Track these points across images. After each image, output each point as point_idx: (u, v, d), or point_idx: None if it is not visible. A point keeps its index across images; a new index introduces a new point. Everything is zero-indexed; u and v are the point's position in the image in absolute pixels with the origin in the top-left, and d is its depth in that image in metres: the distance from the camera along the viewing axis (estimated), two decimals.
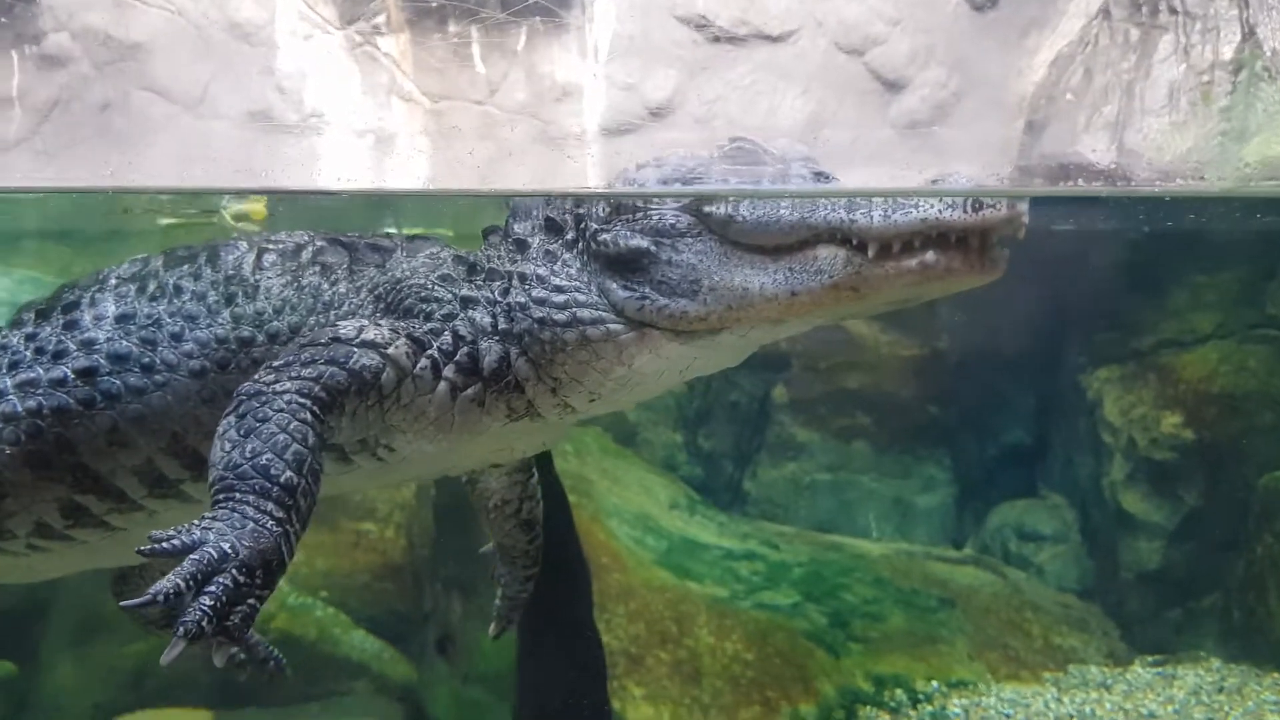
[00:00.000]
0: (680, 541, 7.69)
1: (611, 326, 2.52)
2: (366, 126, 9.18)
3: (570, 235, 2.66)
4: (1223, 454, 7.86)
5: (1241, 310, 8.29)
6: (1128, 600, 8.05)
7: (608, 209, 2.58)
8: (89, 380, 2.78)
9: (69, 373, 2.79)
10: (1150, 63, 6.34)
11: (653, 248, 2.46)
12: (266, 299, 2.81)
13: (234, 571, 2.06)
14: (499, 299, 2.68)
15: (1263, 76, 5.02)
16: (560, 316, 2.56)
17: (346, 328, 2.58)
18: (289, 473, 2.24)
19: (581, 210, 2.65)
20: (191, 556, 2.06)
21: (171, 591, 2.00)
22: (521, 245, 2.72)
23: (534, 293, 2.61)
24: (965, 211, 2.16)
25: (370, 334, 2.57)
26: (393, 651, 5.95)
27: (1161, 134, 6.01)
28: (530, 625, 4.56)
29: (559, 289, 2.58)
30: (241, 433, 2.29)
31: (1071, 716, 6.36)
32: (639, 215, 2.50)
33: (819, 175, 2.65)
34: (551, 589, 4.55)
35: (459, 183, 8.71)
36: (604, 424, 8.84)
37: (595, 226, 2.59)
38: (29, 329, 2.98)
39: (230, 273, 2.90)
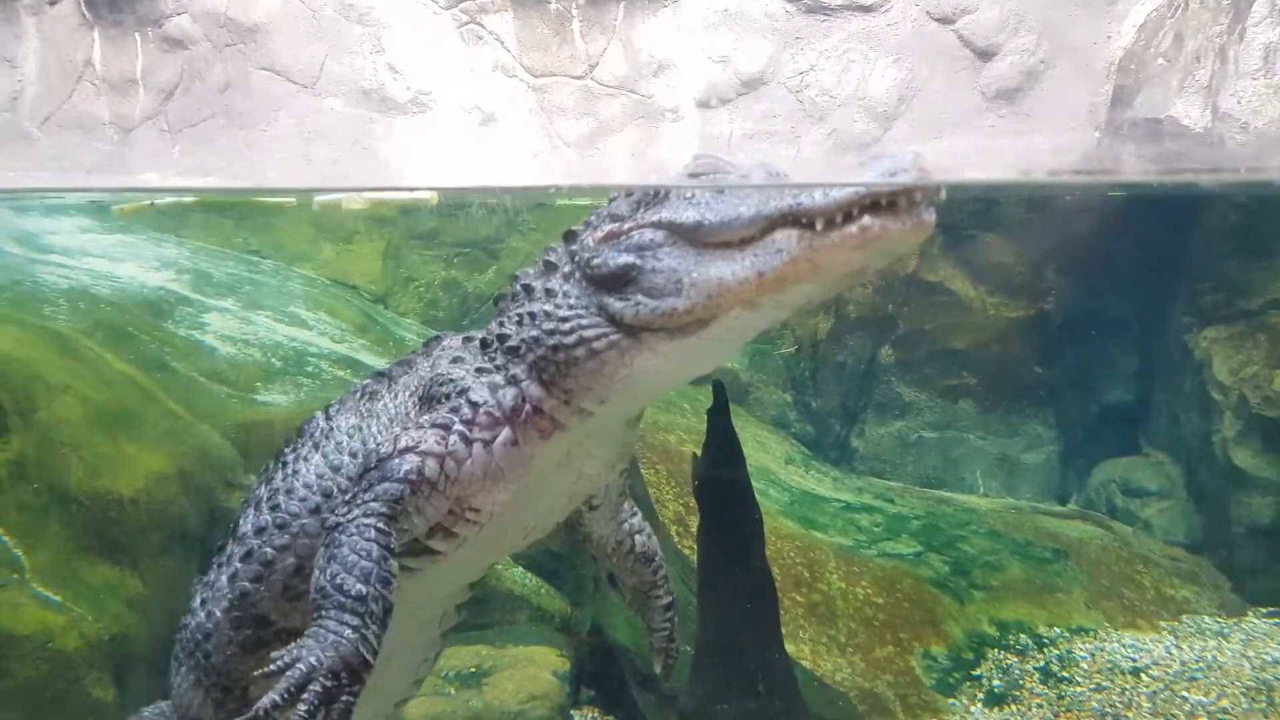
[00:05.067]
0: (801, 495, 7.99)
1: (613, 337, 2.94)
2: (474, 104, 9.51)
3: (567, 269, 3.08)
4: None
5: None
6: (1238, 554, 8.16)
7: (594, 240, 3.00)
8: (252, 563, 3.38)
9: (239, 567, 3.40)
10: (1243, 25, 6.36)
11: (638, 260, 2.89)
12: (342, 432, 3.42)
13: (321, 679, 2.58)
14: (509, 359, 3.10)
15: None
16: (569, 340, 3.00)
17: (385, 445, 3.07)
18: (359, 585, 2.75)
19: (574, 247, 3.07)
20: (286, 674, 2.58)
21: (270, 707, 2.53)
22: (528, 290, 3.15)
23: (544, 326, 3.05)
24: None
25: (403, 440, 3.03)
26: (549, 587, 6.35)
27: (1257, 97, 6.04)
28: (709, 559, 4.90)
29: (564, 319, 3.01)
30: (325, 560, 2.81)
31: (1196, 662, 6.54)
32: (621, 238, 2.94)
33: (776, 177, 3.06)
34: (727, 527, 4.87)
35: (561, 159, 8.99)
36: None
37: (587, 255, 3.00)
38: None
39: (312, 433, 3.51)
